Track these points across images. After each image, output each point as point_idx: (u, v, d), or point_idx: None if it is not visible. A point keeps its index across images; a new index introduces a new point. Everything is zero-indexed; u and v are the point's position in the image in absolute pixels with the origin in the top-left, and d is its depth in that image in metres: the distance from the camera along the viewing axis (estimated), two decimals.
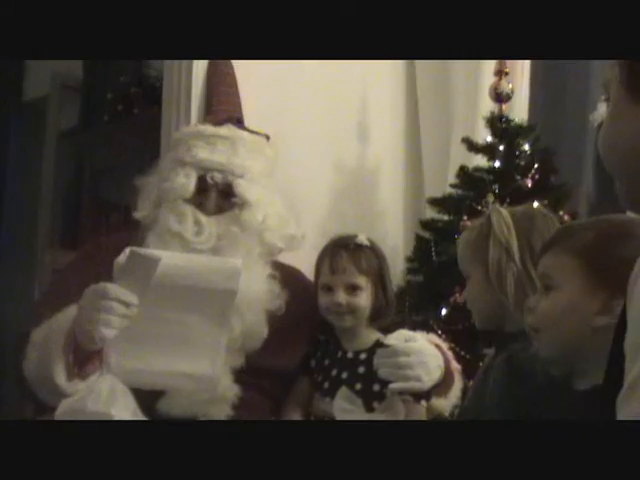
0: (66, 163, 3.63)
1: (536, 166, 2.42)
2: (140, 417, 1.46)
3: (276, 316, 1.71)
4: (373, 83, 2.74)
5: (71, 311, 1.54)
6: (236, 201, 1.73)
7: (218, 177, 1.73)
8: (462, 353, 1.94)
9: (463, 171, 2.47)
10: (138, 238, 1.70)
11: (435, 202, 2.50)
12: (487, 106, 2.51)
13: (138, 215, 1.76)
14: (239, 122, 1.88)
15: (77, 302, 1.53)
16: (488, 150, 2.45)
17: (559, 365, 1.25)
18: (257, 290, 1.68)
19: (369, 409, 1.71)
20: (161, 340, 1.52)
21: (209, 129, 1.78)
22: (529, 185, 2.39)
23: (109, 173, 3.08)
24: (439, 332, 2.15)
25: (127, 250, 1.52)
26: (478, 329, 1.56)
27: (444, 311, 2.30)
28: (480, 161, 2.48)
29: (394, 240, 2.74)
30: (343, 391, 1.72)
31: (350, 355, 1.78)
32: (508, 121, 2.44)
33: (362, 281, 1.77)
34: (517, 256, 1.46)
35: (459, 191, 2.46)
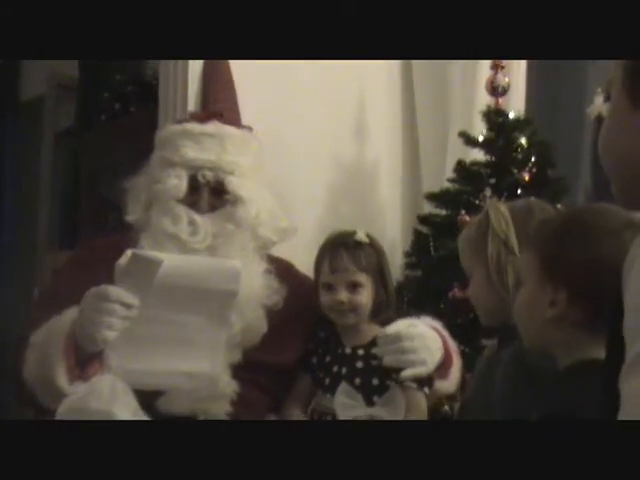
0: (64, 163, 3.63)
1: (533, 159, 2.42)
2: (141, 416, 1.47)
3: (274, 311, 1.72)
4: (370, 79, 2.74)
5: (70, 313, 1.54)
6: (228, 198, 1.73)
7: (209, 175, 1.72)
8: (462, 347, 1.94)
9: (460, 165, 2.47)
10: (131, 240, 1.70)
11: (433, 197, 2.50)
12: (484, 100, 2.51)
13: (130, 218, 1.75)
14: (221, 115, 1.86)
15: (74, 304, 1.54)
16: (485, 144, 2.46)
17: (540, 356, 1.28)
18: (254, 286, 1.68)
19: (369, 403, 1.72)
20: (161, 340, 1.53)
21: (196, 127, 1.77)
22: (526, 179, 2.39)
23: (107, 172, 3.07)
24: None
25: (128, 252, 1.53)
26: (483, 325, 1.57)
27: (443, 306, 2.31)
28: (477, 155, 2.48)
29: (392, 235, 2.74)
30: (343, 387, 1.73)
31: (348, 351, 1.78)
32: (505, 115, 2.45)
33: (363, 278, 1.77)
34: (516, 250, 1.47)
35: (456, 185, 2.46)
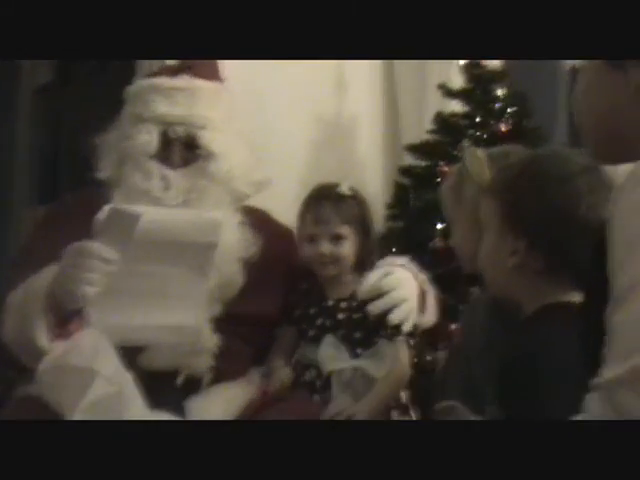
0: (43, 120, 3.60)
1: (510, 111, 2.45)
2: (122, 372, 1.47)
3: (251, 263, 1.73)
4: None
5: (48, 271, 1.54)
6: (201, 152, 1.72)
7: (180, 130, 1.71)
8: (445, 297, 1.98)
9: (439, 117, 2.49)
10: (104, 196, 1.69)
11: (412, 149, 2.52)
12: None
13: (102, 175, 1.73)
14: (194, 67, 1.79)
15: (50, 262, 1.54)
16: (463, 96, 2.47)
17: (506, 304, 1.30)
18: (229, 239, 1.67)
19: (353, 355, 1.76)
20: (142, 294, 1.52)
21: (166, 82, 1.74)
22: (504, 129, 2.41)
23: (87, 128, 3.05)
24: None
25: (107, 207, 1.52)
26: (466, 272, 1.59)
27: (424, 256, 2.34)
28: (455, 107, 2.50)
29: (373, 187, 2.76)
30: (328, 338, 1.76)
31: (331, 303, 1.81)
32: (482, 66, 2.46)
33: (345, 230, 1.80)
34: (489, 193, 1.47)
35: (436, 137, 2.48)
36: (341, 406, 1.68)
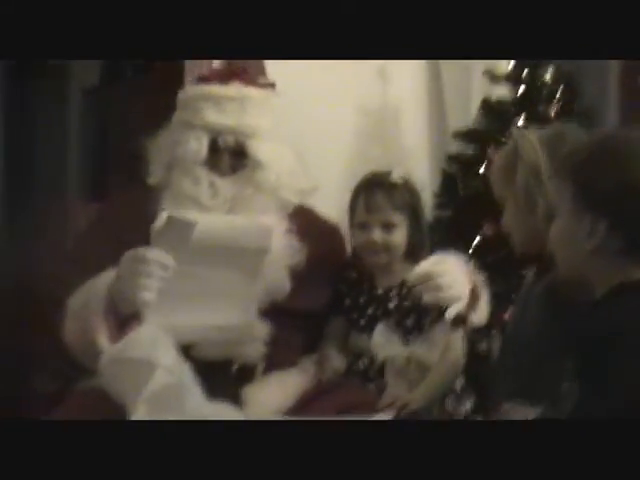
0: (91, 120, 3.65)
1: (559, 93, 2.41)
2: (181, 363, 1.51)
3: (297, 270, 1.74)
4: None
5: (106, 277, 1.59)
6: (248, 161, 1.75)
7: (229, 139, 1.75)
8: (495, 285, 1.96)
9: (486, 103, 2.46)
10: (153, 197, 1.73)
11: (460, 136, 2.50)
12: None
13: (151, 181, 1.78)
14: (244, 72, 1.84)
15: (103, 263, 1.59)
16: (510, 80, 2.45)
17: (577, 286, 1.29)
18: (276, 247, 1.69)
19: (406, 343, 1.76)
20: (194, 296, 1.57)
21: (216, 90, 1.77)
22: (553, 112, 2.38)
23: (136, 127, 3.09)
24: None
25: (164, 214, 1.58)
26: (518, 253, 1.57)
27: (474, 244, 2.33)
28: (502, 92, 2.47)
29: (420, 176, 2.74)
30: (380, 327, 1.76)
31: (381, 291, 1.81)
32: None
33: (397, 218, 1.79)
34: (546, 178, 1.44)
35: (483, 123, 2.46)
36: (395, 394, 1.68)
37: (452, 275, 1.69)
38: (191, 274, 1.56)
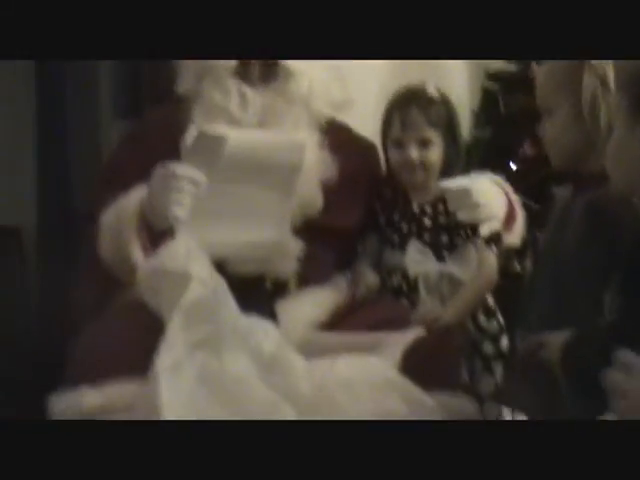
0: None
1: None
2: (215, 276, 1.51)
3: (329, 186, 1.72)
4: None
5: (138, 192, 1.58)
6: (280, 71, 1.71)
7: None
8: (532, 204, 1.93)
9: None
10: (184, 110, 1.70)
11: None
12: None
13: (181, 90, 1.74)
14: None
15: (136, 180, 1.58)
16: None
17: (625, 204, 1.25)
18: (308, 161, 1.67)
19: (440, 259, 1.74)
20: (227, 213, 1.57)
21: None
22: None
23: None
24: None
25: (194, 130, 1.56)
26: (555, 168, 1.51)
27: (513, 165, 2.28)
28: None
29: (459, 94, 2.68)
30: (414, 243, 1.75)
31: (416, 208, 1.79)
32: None
33: (433, 135, 1.76)
34: (614, 87, 1.35)
35: None
36: (428, 309, 1.68)
37: (488, 194, 1.67)
38: (223, 191, 1.55)
